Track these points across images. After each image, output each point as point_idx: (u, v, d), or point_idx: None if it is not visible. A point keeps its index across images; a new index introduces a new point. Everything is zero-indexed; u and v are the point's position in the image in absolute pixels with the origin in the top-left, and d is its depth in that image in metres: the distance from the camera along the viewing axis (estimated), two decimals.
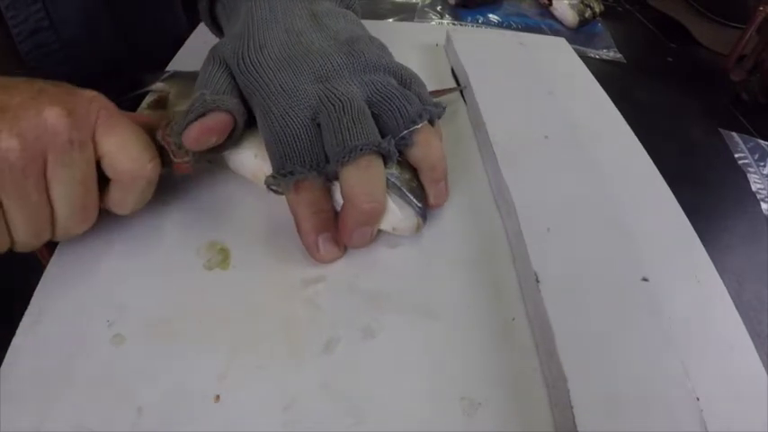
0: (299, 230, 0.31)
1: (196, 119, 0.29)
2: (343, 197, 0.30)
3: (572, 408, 0.23)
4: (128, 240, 0.32)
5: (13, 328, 0.27)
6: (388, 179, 0.31)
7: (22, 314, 0.28)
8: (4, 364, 0.26)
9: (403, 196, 0.31)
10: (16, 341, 0.27)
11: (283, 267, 0.32)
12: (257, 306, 0.30)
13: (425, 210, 0.32)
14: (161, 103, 0.42)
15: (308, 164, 0.30)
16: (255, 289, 0.30)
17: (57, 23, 0.41)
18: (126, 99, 0.44)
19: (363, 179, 0.29)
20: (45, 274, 0.30)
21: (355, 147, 0.28)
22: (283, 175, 0.29)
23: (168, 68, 0.47)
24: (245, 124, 0.34)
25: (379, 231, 0.33)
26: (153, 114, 0.41)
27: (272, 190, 0.30)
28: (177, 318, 0.29)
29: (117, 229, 0.33)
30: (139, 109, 0.43)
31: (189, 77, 0.44)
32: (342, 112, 0.30)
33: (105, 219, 0.34)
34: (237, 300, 0.30)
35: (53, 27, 0.41)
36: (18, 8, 0.39)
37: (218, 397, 0.25)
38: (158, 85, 0.44)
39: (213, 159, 0.35)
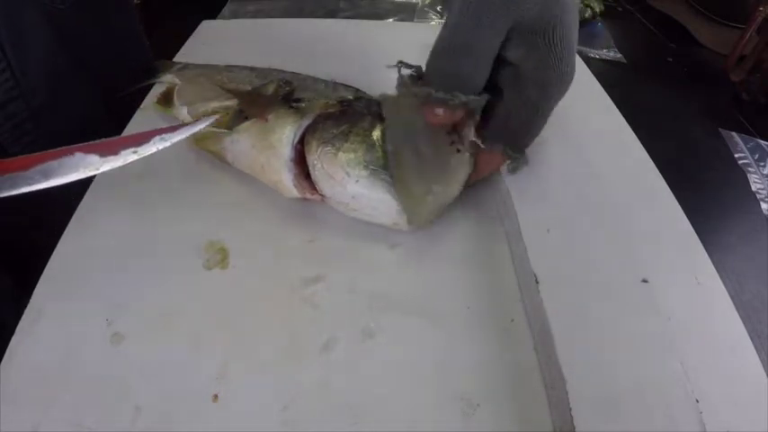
0: None
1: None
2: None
3: (570, 409, 0.23)
4: (127, 239, 0.32)
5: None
6: (387, 178, 0.31)
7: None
8: (3, 362, 0.26)
9: None
10: (15, 340, 0.27)
11: (282, 267, 0.32)
12: (256, 306, 0.29)
13: None
14: (168, 96, 0.42)
15: None
16: (254, 289, 0.30)
17: (26, 92, 0.41)
18: (134, 90, 0.44)
19: None
20: (45, 272, 0.30)
21: None
22: None
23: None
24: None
25: (381, 227, 0.33)
26: (160, 109, 0.42)
27: None
28: (176, 317, 0.29)
29: (116, 228, 0.33)
30: (146, 100, 0.43)
31: (199, 70, 0.44)
32: None
33: (105, 218, 0.34)
34: (236, 299, 0.30)
35: (23, 96, 0.41)
36: None
37: (216, 396, 0.25)
38: (168, 77, 0.44)
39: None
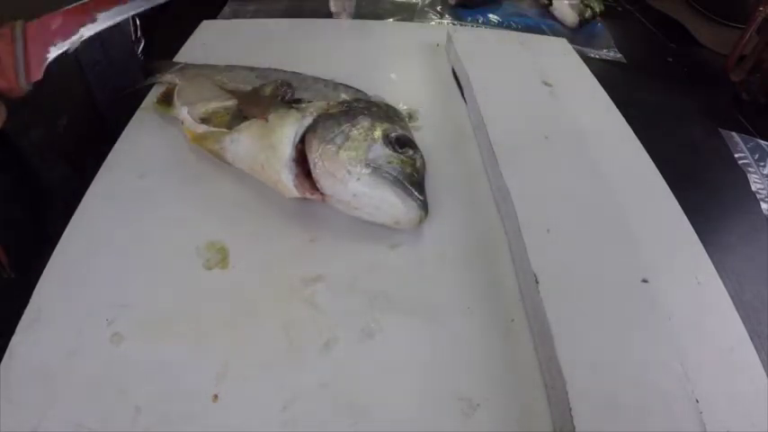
0: None
1: None
2: None
3: (570, 409, 0.23)
4: (127, 239, 0.32)
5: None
6: (390, 173, 0.32)
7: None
8: (3, 362, 0.26)
9: (405, 189, 0.32)
10: (15, 340, 0.27)
11: (282, 267, 0.32)
12: (256, 305, 0.29)
13: (427, 203, 0.32)
14: (168, 96, 0.42)
15: None
16: (254, 288, 0.30)
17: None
18: (134, 90, 0.44)
19: None
20: (45, 272, 0.30)
21: None
22: None
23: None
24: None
25: (381, 227, 0.33)
26: (160, 109, 0.42)
27: None
28: (176, 317, 0.29)
29: (116, 228, 0.33)
30: (146, 100, 0.43)
31: (199, 70, 0.44)
32: None
33: (105, 218, 0.34)
34: (236, 299, 0.30)
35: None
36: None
37: (216, 396, 0.25)
38: (167, 77, 0.44)
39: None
